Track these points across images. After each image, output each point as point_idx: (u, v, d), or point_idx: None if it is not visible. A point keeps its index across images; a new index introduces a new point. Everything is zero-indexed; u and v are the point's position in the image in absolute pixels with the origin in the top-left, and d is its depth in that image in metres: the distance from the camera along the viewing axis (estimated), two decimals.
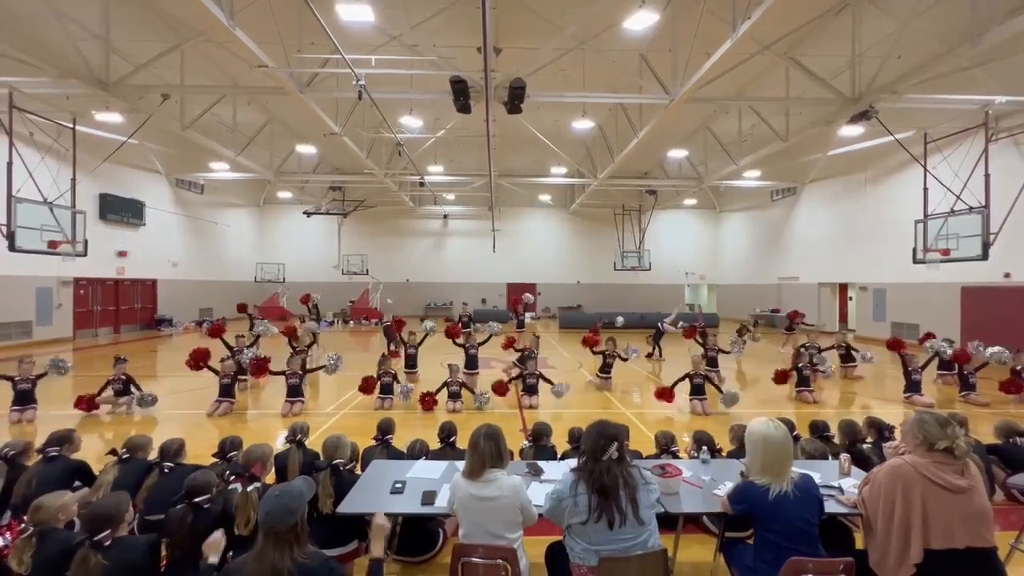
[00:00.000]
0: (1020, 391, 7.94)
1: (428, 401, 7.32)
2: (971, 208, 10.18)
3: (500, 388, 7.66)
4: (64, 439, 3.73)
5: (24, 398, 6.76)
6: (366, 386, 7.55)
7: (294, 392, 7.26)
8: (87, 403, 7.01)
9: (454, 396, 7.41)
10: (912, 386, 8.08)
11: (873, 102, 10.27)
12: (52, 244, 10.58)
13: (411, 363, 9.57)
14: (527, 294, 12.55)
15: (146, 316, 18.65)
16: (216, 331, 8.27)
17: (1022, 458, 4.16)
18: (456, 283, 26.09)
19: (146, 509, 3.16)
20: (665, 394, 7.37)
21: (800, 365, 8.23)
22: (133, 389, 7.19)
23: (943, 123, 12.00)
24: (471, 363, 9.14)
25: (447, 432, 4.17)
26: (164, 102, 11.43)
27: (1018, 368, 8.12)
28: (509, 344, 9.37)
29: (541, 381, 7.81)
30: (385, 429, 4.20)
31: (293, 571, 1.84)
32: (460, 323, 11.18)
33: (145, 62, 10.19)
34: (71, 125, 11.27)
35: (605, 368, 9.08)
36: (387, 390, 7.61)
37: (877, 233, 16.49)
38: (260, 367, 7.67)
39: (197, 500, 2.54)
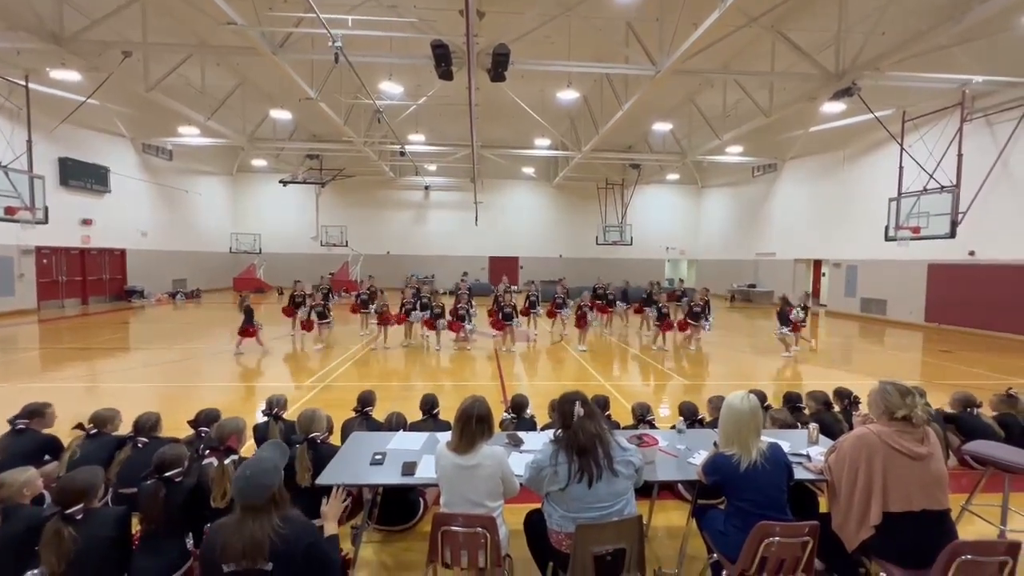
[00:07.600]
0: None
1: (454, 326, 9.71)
2: (942, 187, 10.44)
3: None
4: (36, 412, 3.60)
5: None
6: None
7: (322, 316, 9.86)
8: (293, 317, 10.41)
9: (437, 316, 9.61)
10: None
11: (856, 79, 10.29)
12: (9, 210, 10.08)
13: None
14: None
15: (115, 287, 18.04)
16: None
17: (976, 427, 4.42)
18: (438, 255, 25.85)
19: (119, 483, 3.11)
20: (581, 323, 10.52)
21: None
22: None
23: (921, 102, 12.14)
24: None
25: (429, 404, 4.17)
26: (125, 60, 10.73)
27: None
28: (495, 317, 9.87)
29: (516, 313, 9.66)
30: (365, 401, 4.19)
31: (275, 539, 1.84)
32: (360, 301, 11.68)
33: (102, 16, 9.52)
34: (23, 83, 10.55)
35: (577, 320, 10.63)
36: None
37: (851, 211, 16.82)
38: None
39: (169, 474, 2.49)
